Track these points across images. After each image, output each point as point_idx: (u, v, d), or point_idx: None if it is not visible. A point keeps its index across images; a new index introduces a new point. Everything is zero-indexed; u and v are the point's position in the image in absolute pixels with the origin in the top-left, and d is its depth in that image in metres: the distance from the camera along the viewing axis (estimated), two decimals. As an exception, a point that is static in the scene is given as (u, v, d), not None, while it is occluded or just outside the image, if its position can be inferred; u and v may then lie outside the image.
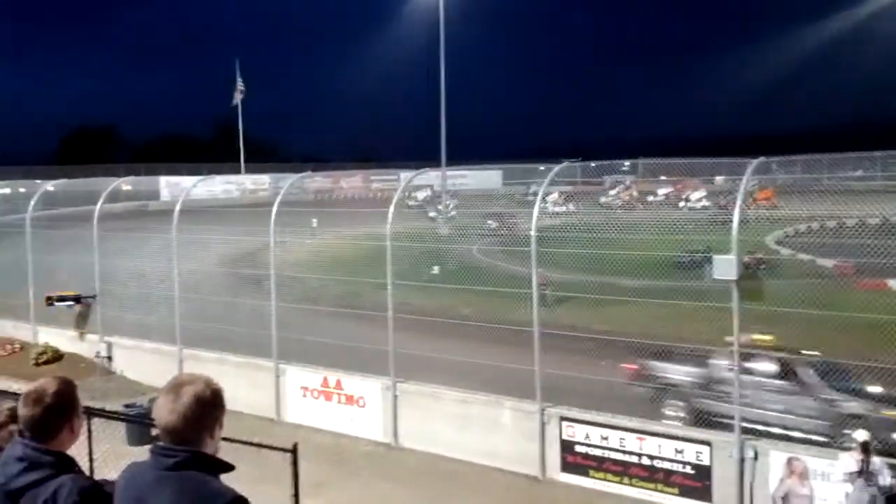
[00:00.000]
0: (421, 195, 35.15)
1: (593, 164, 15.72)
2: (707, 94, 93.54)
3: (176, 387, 2.91)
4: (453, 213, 27.83)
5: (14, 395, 6.38)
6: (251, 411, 13.52)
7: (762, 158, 10.93)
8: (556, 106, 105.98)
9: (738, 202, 10.08)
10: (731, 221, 10.09)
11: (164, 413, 2.87)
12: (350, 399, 13.17)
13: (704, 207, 25.05)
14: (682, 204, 28.74)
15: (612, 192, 29.99)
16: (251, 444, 6.87)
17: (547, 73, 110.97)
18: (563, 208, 25.40)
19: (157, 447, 2.92)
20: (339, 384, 13.30)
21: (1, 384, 13.89)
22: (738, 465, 9.84)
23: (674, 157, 12.93)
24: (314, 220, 18.63)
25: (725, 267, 9.86)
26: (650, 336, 11.85)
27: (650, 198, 31.01)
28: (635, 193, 31.89)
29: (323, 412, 13.48)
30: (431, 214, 28.61)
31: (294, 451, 7.75)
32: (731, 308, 9.93)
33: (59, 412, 3.34)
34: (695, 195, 29.56)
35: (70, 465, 3.36)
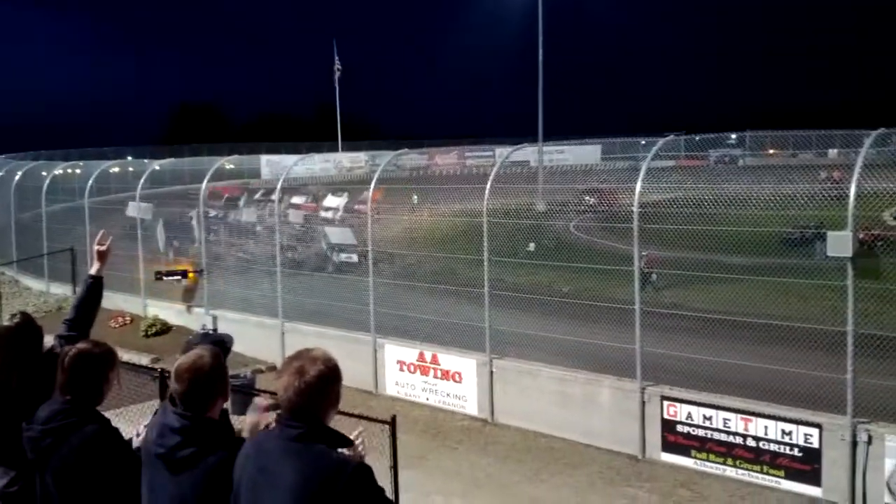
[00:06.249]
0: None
1: (697, 138, 15.12)
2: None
3: (298, 363, 3.05)
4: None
5: (124, 364, 6.62)
6: (350, 384, 13.62)
7: (882, 129, 10.30)
8: (661, 79, 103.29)
9: (855, 176, 9.52)
10: (845, 196, 9.58)
11: (289, 389, 3.00)
12: (446, 374, 13.23)
13: (342, 219, 22.05)
14: (322, 213, 24.76)
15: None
16: (352, 415, 6.94)
17: (651, 44, 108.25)
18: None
19: (283, 419, 3.05)
20: (435, 359, 13.36)
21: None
22: (851, 448, 9.39)
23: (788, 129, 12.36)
24: (415, 197, 18.69)
25: (840, 243, 9.40)
26: (756, 315, 11.42)
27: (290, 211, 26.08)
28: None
29: (420, 386, 13.59)
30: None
31: (392, 423, 7.85)
32: (846, 286, 9.47)
33: (214, 385, 3.45)
34: (333, 201, 25.60)
35: (230, 431, 3.52)
